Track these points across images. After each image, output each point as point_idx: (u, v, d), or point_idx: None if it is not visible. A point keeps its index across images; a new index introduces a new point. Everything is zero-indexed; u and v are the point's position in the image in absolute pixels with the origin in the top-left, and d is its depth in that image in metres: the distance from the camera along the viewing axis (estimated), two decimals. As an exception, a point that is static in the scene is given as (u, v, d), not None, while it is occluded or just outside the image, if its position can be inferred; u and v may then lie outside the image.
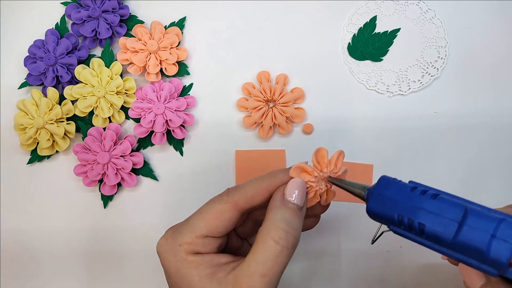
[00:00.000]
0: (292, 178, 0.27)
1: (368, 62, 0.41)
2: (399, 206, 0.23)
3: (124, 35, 0.40)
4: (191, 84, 0.40)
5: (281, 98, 0.38)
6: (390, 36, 0.41)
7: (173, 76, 0.40)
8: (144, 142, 0.39)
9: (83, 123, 0.39)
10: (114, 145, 0.38)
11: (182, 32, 0.41)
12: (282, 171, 0.27)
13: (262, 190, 0.27)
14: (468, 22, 0.41)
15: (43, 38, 0.40)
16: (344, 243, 0.39)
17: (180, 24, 0.41)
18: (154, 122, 0.37)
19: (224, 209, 0.26)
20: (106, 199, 0.39)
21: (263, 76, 0.39)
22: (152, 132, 0.38)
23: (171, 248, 0.26)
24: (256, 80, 0.40)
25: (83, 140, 0.38)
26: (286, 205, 0.25)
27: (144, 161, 0.39)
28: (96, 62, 0.39)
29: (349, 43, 0.41)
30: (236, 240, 0.30)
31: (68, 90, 0.38)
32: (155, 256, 0.38)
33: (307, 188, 0.27)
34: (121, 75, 0.39)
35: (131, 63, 0.39)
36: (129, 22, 0.41)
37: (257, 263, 0.24)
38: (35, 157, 0.39)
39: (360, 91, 0.40)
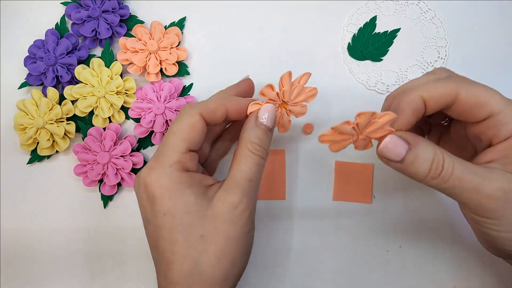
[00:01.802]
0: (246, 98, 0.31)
1: (368, 62, 0.41)
2: None
3: (124, 35, 0.40)
4: (191, 84, 0.40)
5: (296, 98, 0.33)
6: (390, 36, 0.41)
7: (173, 76, 0.40)
8: (144, 142, 0.39)
9: (83, 123, 0.39)
10: (114, 145, 0.38)
11: (182, 32, 0.41)
12: (242, 98, 0.31)
13: (223, 106, 0.30)
14: (468, 22, 0.41)
15: (43, 38, 0.40)
16: (344, 243, 0.39)
17: (180, 24, 0.41)
18: (154, 122, 0.37)
19: (194, 121, 0.29)
20: (106, 199, 0.39)
21: (287, 78, 0.32)
22: (152, 132, 0.38)
23: (162, 172, 0.27)
24: (279, 82, 0.32)
25: (83, 140, 0.38)
26: (259, 126, 0.30)
27: (144, 161, 0.39)
28: (96, 62, 0.39)
29: (349, 43, 0.41)
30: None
31: (68, 90, 0.38)
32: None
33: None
34: (121, 75, 0.39)
35: (131, 63, 0.39)
36: (129, 22, 0.41)
37: (242, 171, 0.28)
38: (35, 157, 0.39)
39: (360, 91, 0.40)
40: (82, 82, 0.38)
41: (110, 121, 0.39)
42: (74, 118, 0.39)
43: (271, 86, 0.30)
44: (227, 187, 0.28)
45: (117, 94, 0.38)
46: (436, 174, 0.25)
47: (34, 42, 0.40)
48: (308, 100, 0.33)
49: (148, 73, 0.39)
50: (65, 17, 0.41)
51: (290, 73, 0.30)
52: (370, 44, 0.40)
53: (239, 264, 0.28)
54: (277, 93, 0.31)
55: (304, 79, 0.31)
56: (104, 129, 0.38)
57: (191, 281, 0.27)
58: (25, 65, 0.39)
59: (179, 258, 0.27)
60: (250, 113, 0.31)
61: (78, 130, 0.39)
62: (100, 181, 0.39)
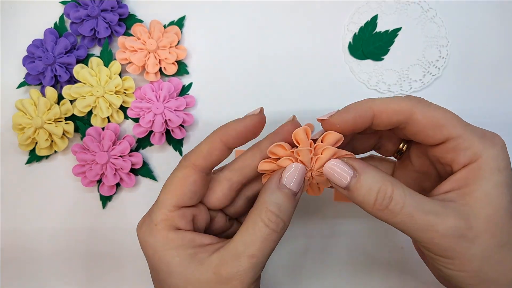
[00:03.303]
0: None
1: (369, 61, 0.40)
2: None
3: (123, 34, 0.40)
4: (191, 84, 0.40)
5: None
6: (391, 35, 0.40)
7: (173, 75, 0.40)
8: (143, 142, 0.39)
9: (81, 123, 0.39)
10: (113, 145, 0.37)
11: (181, 31, 0.41)
12: (234, 121, 0.26)
13: (217, 143, 0.26)
14: (469, 21, 0.41)
15: (42, 37, 0.40)
16: (345, 244, 0.38)
17: (180, 23, 0.41)
18: (153, 122, 0.37)
19: (185, 174, 0.26)
20: (105, 200, 0.39)
21: (302, 135, 0.25)
22: (151, 132, 0.38)
23: (148, 229, 0.26)
24: (293, 138, 0.26)
25: (81, 140, 0.38)
26: (281, 189, 0.25)
27: (143, 161, 0.39)
28: (94, 61, 0.39)
29: (350, 42, 0.40)
30: (224, 220, 0.29)
31: (67, 90, 0.38)
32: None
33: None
34: (120, 75, 0.39)
35: (130, 62, 0.39)
36: (128, 21, 0.40)
37: (245, 244, 0.24)
38: (34, 157, 0.39)
39: (361, 90, 0.40)
40: (80, 82, 0.38)
41: (109, 121, 0.39)
42: (72, 118, 0.39)
43: (281, 146, 0.25)
44: (223, 256, 0.24)
45: (116, 94, 0.38)
46: (383, 206, 0.23)
47: (32, 42, 0.39)
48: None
49: (147, 72, 0.39)
50: (64, 16, 0.41)
51: (307, 129, 0.25)
52: (371, 43, 0.40)
53: None
54: (294, 153, 0.25)
55: (329, 138, 0.25)
56: (103, 129, 0.38)
57: None
58: (24, 65, 0.39)
59: None
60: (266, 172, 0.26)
61: (76, 130, 0.39)
62: (99, 181, 0.38)
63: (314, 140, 0.26)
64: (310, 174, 0.26)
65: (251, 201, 0.29)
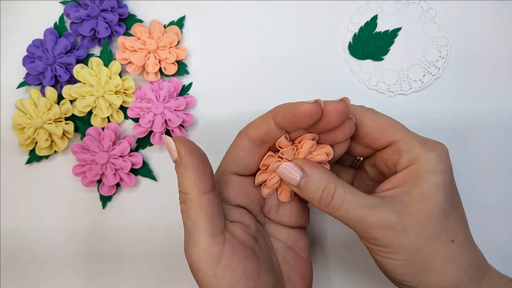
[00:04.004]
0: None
1: (369, 61, 0.40)
2: None
3: (123, 34, 0.40)
4: (191, 84, 0.40)
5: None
6: (391, 35, 0.40)
7: (173, 75, 0.40)
8: (143, 142, 0.39)
9: (81, 123, 0.39)
10: (113, 145, 0.37)
11: (181, 31, 0.41)
12: (286, 103, 0.27)
13: (268, 118, 0.27)
14: (469, 21, 0.41)
15: (42, 37, 0.40)
16: (343, 243, 0.38)
17: (180, 23, 0.41)
18: (153, 121, 0.37)
19: (236, 141, 0.29)
20: (105, 200, 0.39)
21: (284, 140, 0.29)
22: (151, 132, 0.38)
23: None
24: (277, 145, 0.29)
25: (81, 140, 0.38)
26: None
27: (143, 161, 0.39)
28: (94, 61, 0.39)
29: (349, 42, 0.40)
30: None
31: (67, 90, 0.38)
32: (155, 257, 0.38)
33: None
34: (120, 75, 0.39)
35: (130, 62, 0.39)
36: (128, 21, 0.40)
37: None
38: (34, 157, 0.39)
39: (361, 90, 0.40)
40: (80, 82, 0.38)
41: (109, 121, 0.39)
42: (72, 118, 0.39)
43: (270, 156, 0.29)
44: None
45: (116, 94, 0.38)
46: (327, 203, 0.26)
47: (32, 42, 0.39)
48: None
49: (147, 72, 0.39)
50: (64, 16, 0.41)
51: (286, 135, 0.28)
52: (371, 43, 0.40)
53: None
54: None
55: (307, 136, 0.28)
56: (103, 129, 0.38)
57: None
58: (24, 65, 0.39)
59: None
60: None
61: (76, 130, 0.39)
62: (99, 181, 0.38)
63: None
64: None
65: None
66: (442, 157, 0.27)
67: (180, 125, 0.38)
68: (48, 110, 0.38)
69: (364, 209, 0.26)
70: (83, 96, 0.38)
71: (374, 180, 0.32)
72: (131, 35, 0.40)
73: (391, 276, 0.28)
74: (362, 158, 0.32)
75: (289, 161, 0.28)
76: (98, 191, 0.38)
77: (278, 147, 0.28)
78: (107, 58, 0.39)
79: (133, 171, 0.38)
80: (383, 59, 0.40)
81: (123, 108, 0.39)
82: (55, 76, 0.39)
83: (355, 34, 0.40)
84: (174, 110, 0.38)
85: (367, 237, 0.26)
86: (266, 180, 0.30)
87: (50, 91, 0.38)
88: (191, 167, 0.26)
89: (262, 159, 0.29)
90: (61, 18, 0.41)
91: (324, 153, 0.28)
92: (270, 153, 0.29)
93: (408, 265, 0.26)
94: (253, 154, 0.29)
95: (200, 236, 0.25)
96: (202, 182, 0.26)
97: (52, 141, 0.38)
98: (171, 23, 0.41)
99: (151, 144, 0.39)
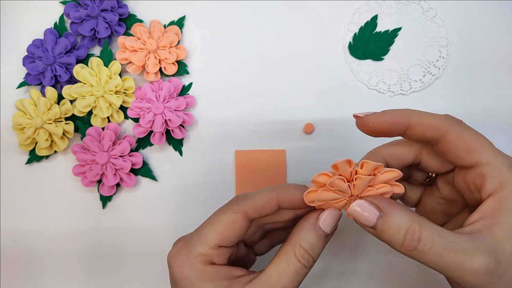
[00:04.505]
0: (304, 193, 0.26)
1: (369, 61, 0.40)
2: None
3: (123, 34, 0.40)
4: (191, 84, 0.40)
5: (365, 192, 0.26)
6: (391, 35, 0.40)
7: (173, 75, 0.40)
8: (143, 142, 0.39)
9: (81, 123, 0.39)
10: (113, 145, 0.37)
11: (181, 31, 0.41)
12: (295, 187, 0.27)
13: (273, 200, 0.27)
14: (469, 22, 0.41)
15: (42, 37, 0.40)
16: (344, 243, 0.38)
17: (180, 23, 0.41)
18: (153, 122, 0.37)
19: (235, 219, 0.26)
20: (105, 200, 0.39)
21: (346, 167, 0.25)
22: (151, 132, 0.38)
23: (185, 260, 0.26)
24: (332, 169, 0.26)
25: (81, 140, 0.38)
26: (317, 231, 0.26)
27: (143, 161, 0.39)
28: (94, 61, 0.39)
29: (350, 42, 0.40)
30: (243, 248, 0.30)
31: (67, 90, 0.38)
32: (155, 257, 0.38)
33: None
34: (120, 75, 0.39)
35: (130, 62, 0.39)
36: (128, 21, 0.40)
37: (279, 276, 0.25)
38: (34, 157, 0.39)
39: (361, 90, 0.40)
40: (80, 82, 0.38)
41: (109, 121, 0.39)
42: (72, 118, 0.39)
43: (325, 174, 0.25)
44: (255, 287, 0.25)
45: (116, 94, 0.38)
46: (412, 247, 0.23)
47: (33, 42, 0.39)
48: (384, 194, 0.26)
49: (147, 72, 0.39)
50: (64, 16, 0.40)
51: (350, 161, 0.24)
52: (371, 43, 0.40)
53: None
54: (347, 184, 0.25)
55: (386, 175, 0.25)
56: (103, 129, 0.38)
57: None
58: (24, 65, 0.39)
59: None
60: (308, 213, 0.27)
61: (76, 130, 0.39)
62: (99, 181, 0.38)
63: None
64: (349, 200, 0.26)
65: (266, 231, 0.31)
66: None
67: (180, 125, 0.38)
68: (48, 110, 0.38)
69: (459, 253, 0.23)
70: (83, 96, 0.38)
71: (448, 199, 0.29)
72: (131, 35, 0.40)
73: None
74: (435, 175, 0.29)
75: (360, 198, 0.25)
76: (98, 191, 0.38)
77: (334, 169, 0.25)
78: (107, 58, 0.39)
79: (133, 171, 0.38)
80: (383, 59, 0.40)
81: (123, 108, 0.39)
82: (55, 76, 0.39)
83: (355, 34, 0.40)
84: (174, 110, 0.38)
85: (462, 283, 0.23)
86: (312, 199, 0.26)
87: (50, 91, 0.38)
88: None
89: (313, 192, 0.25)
90: (61, 18, 0.41)
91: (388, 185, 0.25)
92: (324, 172, 0.25)
93: None
94: (247, 230, 0.27)
95: None
96: None
97: (52, 141, 0.38)
98: (171, 23, 0.40)
99: (151, 144, 0.39)
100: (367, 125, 0.27)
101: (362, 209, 0.24)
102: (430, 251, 0.23)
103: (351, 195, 0.25)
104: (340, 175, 0.24)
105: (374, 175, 0.25)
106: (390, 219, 0.24)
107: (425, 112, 0.26)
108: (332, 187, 0.25)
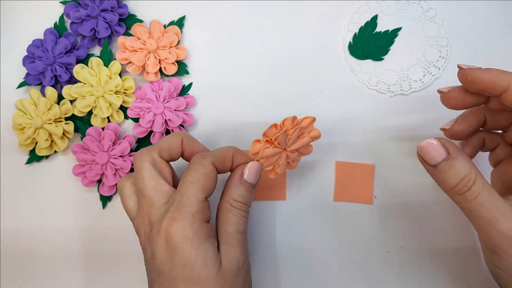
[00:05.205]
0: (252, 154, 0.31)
1: (369, 61, 0.40)
2: None
3: (123, 34, 0.40)
4: (191, 84, 0.40)
5: (293, 145, 0.32)
6: (391, 35, 0.40)
7: (173, 75, 0.40)
8: (143, 142, 0.39)
9: (81, 123, 0.39)
10: (113, 145, 0.37)
11: (181, 31, 0.41)
12: (242, 153, 0.32)
13: (229, 156, 0.31)
14: (469, 21, 0.41)
15: (42, 37, 0.40)
16: (344, 244, 0.38)
17: (180, 23, 0.41)
18: (153, 122, 0.37)
19: (209, 171, 0.30)
20: (105, 200, 0.39)
21: (289, 122, 0.31)
22: (151, 132, 0.38)
23: (185, 223, 0.28)
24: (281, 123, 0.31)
25: (81, 140, 0.38)
26: (243, 184, 0.31)
27: (143, 161, 0.39)
28: (94, 61, 0.39)
29: (350, 42, 0.40)
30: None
31: (67, 90, 0.38)
32: (154, 257, 0.38)
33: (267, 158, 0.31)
34: (120, 75, 0.39)
35: (130, 62, 0.39)
36: (128, 21, 0.40)
37: (233, 225, 0.30)
38: (34, 157, 0.39)
39: (361, 90, 0.40)
40: (80, 82, 0.38)
41: (109, 121, 0.39)
42: (72, 118, 0.39)
43: (275, 126, 0.30)
44: (226, 241, 0.29)
45: (116, 94, 0.38)
46: (462, 191, 0.25)
47: (33, 42, 0.39)
48: (303, 152, 0.34)
49: (147, 72, 0.39)
50: (64, 16, 0.41)
51: (294, 118, 0.30)
52: (371, 43, 0.40)
53: None
54: (275, 138, 0.30)
55: (306, 121, 0.32)
56: (103, 129, 0.38)
57: None
58: (24, 65, 0.39)
59: None
60: (236, 167, 0.32)
61: (76, 130, 0.39)
62: (99, 181, 0.38)
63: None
64: (286, 154, 0.32)
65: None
66: None
67: (180, 125, 0.38)
68: (48, 110, 0.38)
69: (496, 211, 0.24)
70: (83, 96, 0.38)
71: None
72: (131, 35, 0.40)
73: (498, 282, 0.27)
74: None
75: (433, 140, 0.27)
76: (98, 191, 0.38)
77: (281, 124, 0.30)
78: (107, 58, 0.39)
79: (133, 171, 0.38)
80: (383, 59, 0.40)
81: (123, 108, 0.39)
82: (55, 76, 0.39)
83: (355, 34, 0.40)
84: (174, 110, 0.38)
85: (486, 239, 0.25)
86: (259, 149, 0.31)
87: (50, 91, 0.38)
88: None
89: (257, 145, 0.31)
90: (61, 18, 0.41)
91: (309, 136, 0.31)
92: (274, 123, 0.30)
93: None
94: (215, 184, 0.31)
95: None
96: None
97: (52, 141, 0.38)
98: (171, 23, 0.41)
99: (151, 144, 0.39)
100: (466, 77, 0.28)
101: (432, 147, 0.26)
102: (473, 200, 0.25)
103: (285, 149, 0.31)
104: (280, 130, 0.30)
105: (298, 124, 0.30)
106: (454, 162, 0.26)
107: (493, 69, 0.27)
108: (274, 141, 0.30)
